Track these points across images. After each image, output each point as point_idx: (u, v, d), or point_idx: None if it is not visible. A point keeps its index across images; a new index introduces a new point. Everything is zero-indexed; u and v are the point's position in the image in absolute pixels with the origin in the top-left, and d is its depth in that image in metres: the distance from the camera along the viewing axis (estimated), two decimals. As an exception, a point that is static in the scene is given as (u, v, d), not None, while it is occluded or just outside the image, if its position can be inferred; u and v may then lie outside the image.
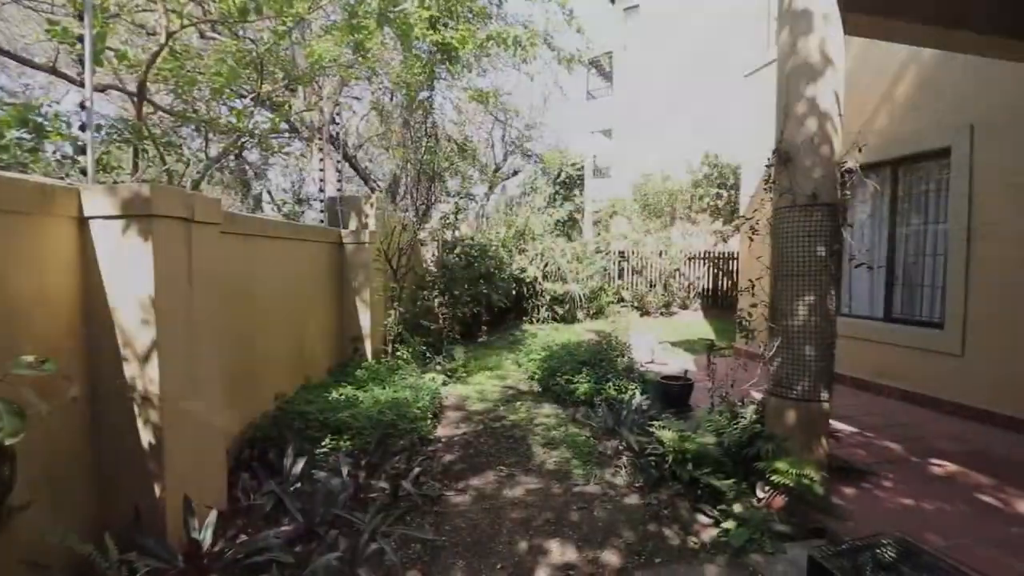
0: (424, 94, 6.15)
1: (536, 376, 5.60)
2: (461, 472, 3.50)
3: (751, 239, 3.36)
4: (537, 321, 9.73)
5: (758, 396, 3.45)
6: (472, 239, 8.64)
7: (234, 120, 5.57)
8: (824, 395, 2.96)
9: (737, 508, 2.83)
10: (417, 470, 3.28)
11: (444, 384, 5.56)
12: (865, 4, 3.09)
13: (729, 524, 2.69)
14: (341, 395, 4.33)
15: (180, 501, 2.29)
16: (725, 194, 12.79)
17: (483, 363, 6.69)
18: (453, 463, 3.64)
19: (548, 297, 9.80)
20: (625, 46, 21.00)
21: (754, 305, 3.25)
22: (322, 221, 6.02)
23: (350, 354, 5.56)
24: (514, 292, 9.43)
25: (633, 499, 3.14)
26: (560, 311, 9.83)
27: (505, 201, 25.05)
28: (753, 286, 3.27)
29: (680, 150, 14.84)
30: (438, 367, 5.88)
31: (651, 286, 11.62)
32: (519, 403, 5.03)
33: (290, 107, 8.17)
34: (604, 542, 2.67)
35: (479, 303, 7.98)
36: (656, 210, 13.66)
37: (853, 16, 3.05)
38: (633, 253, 11.79)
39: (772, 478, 2.80)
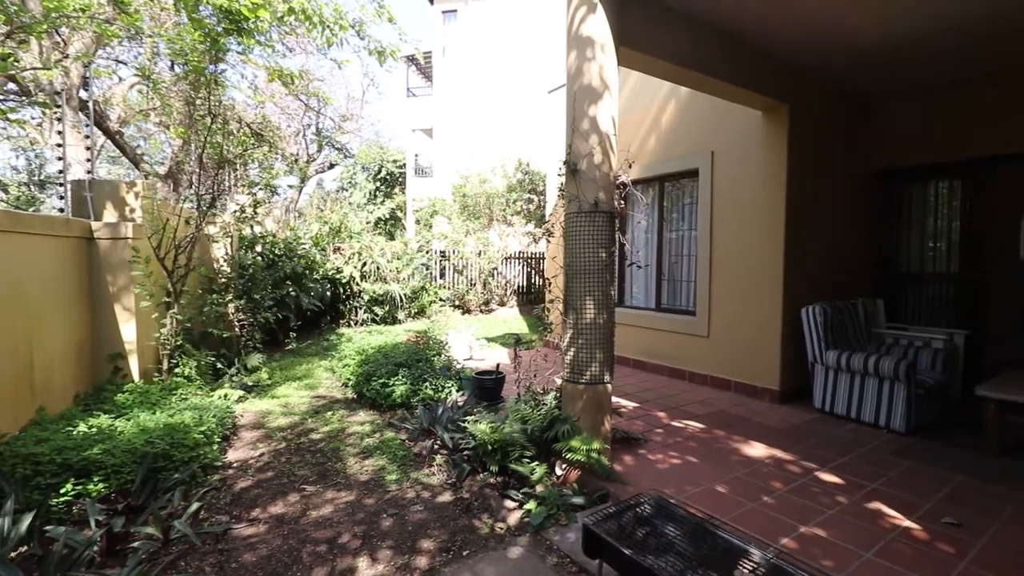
0: (211, 68, 5.31)
1: (350, 382, 5.30)
2: (256, 499, 3.10)
3: (548, 241, 3.67)
4: (355, 324, 9.26)
5: (560, 383, 3.79)
6: (275, 236, 7.80)
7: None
8: (607, 377, 3.38)
9: (539, 488, 3.07)
10: (196, 505, 2.81)
11: (240, 400, 4.90)
12: (632, 40, 3.61)
13: (531, 505, 2.89)
14: (92, 427, 3.50)
15: None
16: (536, 199, 13.87)
17: (290, 373, 6.09)
18: (246, 490, 3.22)
19: (367, 298, 9.39)
20: (444, 49, 21.31)
21: (551, 301, 3.56)
22: (62, 210, 4.78)
23: (109, 375, 4.53)
24: (329, 294, 8.81)
25: (446, 496, 3.17)
26: (380, 312, 9.52)
27: (321, 196, 23.35)
28: (549, 284, 3.57)
29: (497, 154, 15.64)
30: (233, 382, 5.15)
31: (472, 285, 12.00)
32: (330, 413, 4.70)
33: (16, 61, 6.33)
34: (415, 546, 2.63)
35: (286, 307, 7.25)
36: (475, 211, 14.16)
37: (624, 49, 3.54)
38: (454, 253, 12.03)
39: (567, 456, 3.10)
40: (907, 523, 2.78)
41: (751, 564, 1.71)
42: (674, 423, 4.42)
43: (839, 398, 4.63)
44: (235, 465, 3.58)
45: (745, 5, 3.81)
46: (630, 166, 3.55)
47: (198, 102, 5.27)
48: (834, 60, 4.75)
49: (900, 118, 5.69)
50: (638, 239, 6.73)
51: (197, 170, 5.26)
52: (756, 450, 3.83)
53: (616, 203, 3.42)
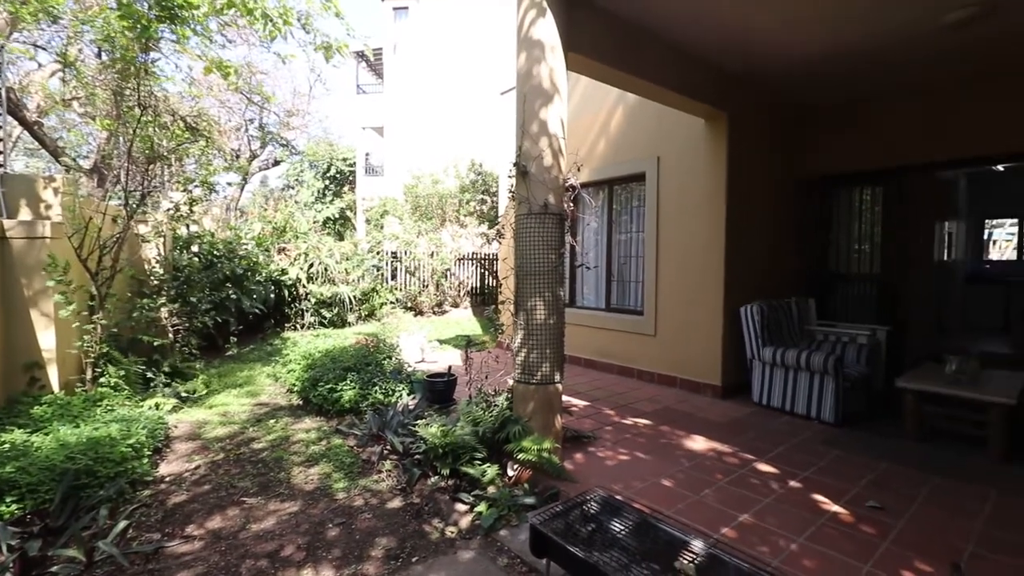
0: (142, 57, 4.98)
1: (296, 388, 5.10)
2: (191, 514, 2.93)
3: (500, 242, 3.67)
4: (302, 327, 8.94)
5: (511, 384, 3.79)
6: (214, 236, 7.41)
7: None
8: (558, 377, 3.42)
9: (491, 490, 3.06)
10: (124, 523, 2.62)
11: (174, 410, 4.62)
12: (578, 45, 3.67)
13: (482, 507, 2.87)
14: (4, 443, 3.21)
15: None
16: (489, 200, 13.87)
17: (230, 380, 5.79)
18: (181, 505, 3.03)
19: (314, 301, 9.09)
20: (395, 46, 20.95)
21: (503, 302, 3.56)
22: (-32, 206, 4.34)
23: (24, 386, 4.16)
24: (273, 296, 8.45)
25: (396, 502, 3.11)
26: (328, 315, 9.22)
27: (265, 194, 22.38)
28: (500, 284, 3.57)
29: (450, 155, 15.52)
30: (166, 390, 4.85)
31: (424, 286, 11.85)
32: (274, 421, 4.51)
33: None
34: (363, 554, 2.56)
35: (226, 311, 6.90)
36: (427, 212, 13.99)
37: (571, 54, 3.59)
38: (406, 254, 11.84)
39: (519, 456, 3.11)
40: (835, 508, 2.97)
41: (691, 555, 1.78)
42: (623, 420, 4.53)
43: (775, 392, 4.89)
44: (168, 479, 3.37)
45: (692, 20, 3.96)
46: (579, 169, 3.60)
47: (127, 92, 4.93)
48: (769, 72, 5.02)
49: (831, 127, 6.08)
50: (588, 240, 6.85)
51: (126, 165, 4.92)
52: (699, 444, 3.99)
53: (566, 205, 3.47)
